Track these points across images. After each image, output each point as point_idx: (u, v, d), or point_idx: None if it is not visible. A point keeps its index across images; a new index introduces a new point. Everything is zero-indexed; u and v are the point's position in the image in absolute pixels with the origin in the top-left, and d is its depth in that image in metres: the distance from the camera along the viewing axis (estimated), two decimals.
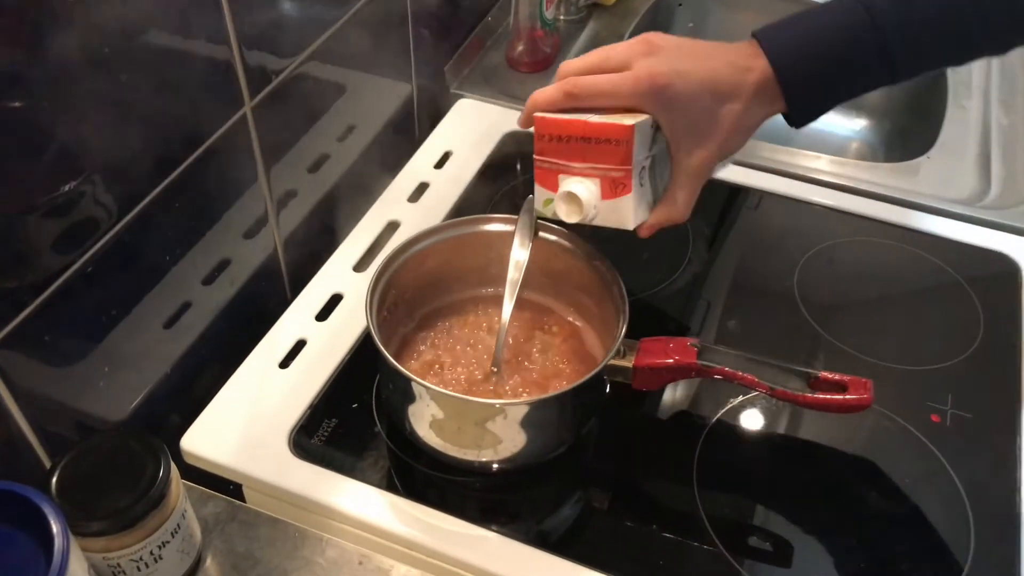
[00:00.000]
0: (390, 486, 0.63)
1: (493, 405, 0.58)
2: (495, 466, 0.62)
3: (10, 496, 0.44)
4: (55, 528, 0.44)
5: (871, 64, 0.59)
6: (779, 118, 0.63)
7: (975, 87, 1.04)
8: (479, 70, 1.02)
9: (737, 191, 0.90)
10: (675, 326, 0.76)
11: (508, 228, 0.68)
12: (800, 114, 0.61)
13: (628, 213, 0.58)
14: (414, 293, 0.70)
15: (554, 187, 0.60)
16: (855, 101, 1.16)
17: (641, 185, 0.58)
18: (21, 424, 0.55)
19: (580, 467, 0.67)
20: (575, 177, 0.58)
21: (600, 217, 0.59)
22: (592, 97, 0.58)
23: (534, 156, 0.60)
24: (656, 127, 0.59)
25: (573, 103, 0.58)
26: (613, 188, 0.57)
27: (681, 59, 0.57)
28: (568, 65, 0.60)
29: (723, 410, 0.69)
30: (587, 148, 0.56)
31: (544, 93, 0.59)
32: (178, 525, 0.54)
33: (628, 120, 0.56)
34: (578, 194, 0.58)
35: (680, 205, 0.61)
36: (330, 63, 0.78)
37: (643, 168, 0.58)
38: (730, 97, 0.58)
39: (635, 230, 0.61)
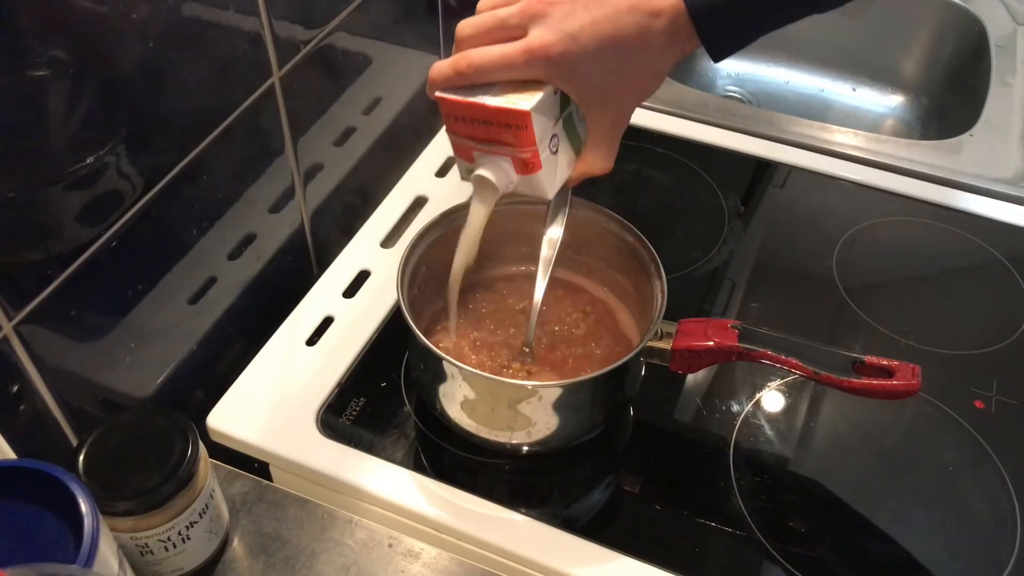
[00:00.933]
0: (419, 467, 0.62)
1: (526, 387, 0.56)
2: (526, 448, 0.61)
3: (39, 475, 0.43)
4: (85, 508, 0.43)
5: None
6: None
7: (1020, 63, 1.01)
8: None
9: (769, 167, 0.87)
10: (711, 307, 0.74)
11: (541, 205, 0.66)
12: (717, 51, 0.54)
13: (543, 186, 0.55)
14: (445, 270, 0.67)
15: (470, 159, 0.57)
16: (891, 77, 1.15)
17: (554, 153, 0.55)
18: (47, 400, 0.54)
19: (612, 450, 0.65)
20: (488, 156, 0.55)
21: (520, 189, 0.56)
22: (486, 74, 0.53)
23: (446, 132, 0.57)
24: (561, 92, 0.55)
25: (467, 82, 0.54)
26: (523, 167, 0.54)
27: (576, 15, 0.51)
28: (463, 28, 0.55)
29: (760, 393, 0.67)
30: (491, 129, 0.53)
31: (440, 69, 0.54)
32: (206, 505, 0.53)
33: (524, 103, 0.52)
34: (489, 177, 0.55)
35: (602, 160, 0.57)
36: (357, 34, 0.76)
37: (553, 136, 0.55)
38: (636, 50, 0.52)
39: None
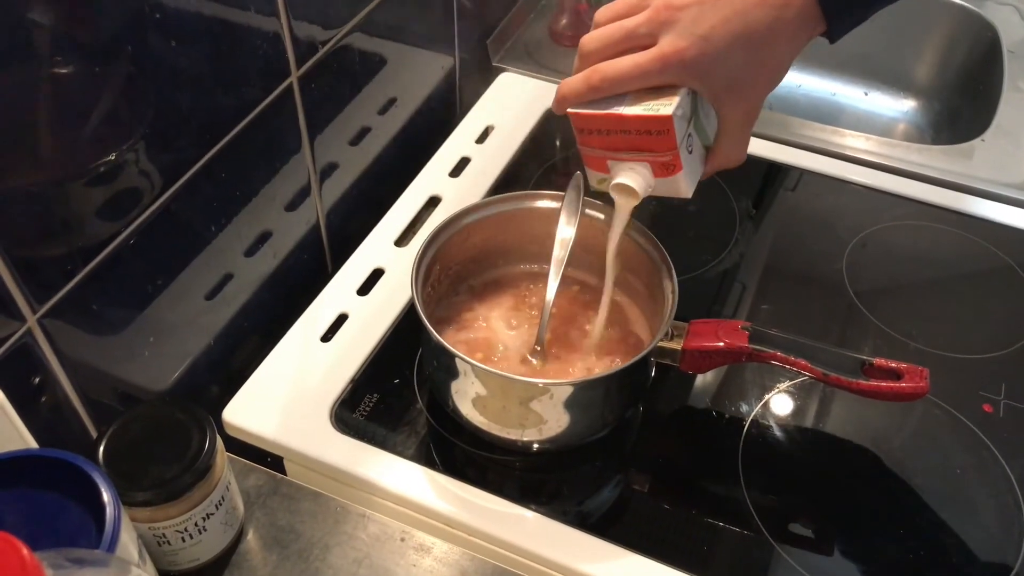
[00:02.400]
0: (431, 463, 0.63)
1: (538, 385, 0.57)
2: (536, 446, 0.62)
3: (62, 465, 0.44)
4: (106, 497, 0.44)
5: None
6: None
7: None
8: (521, 44, 1.01)
9: (781, 170, 0.88)
10: (722, 308, 0.75)
11: (554, 205, 0.67)
12: (839, 30, 0.55)
13: (683, 186, 0.56)
14: (458, 268, 0.69)
15: (604, 169, 0.58)
16: (903, 81, 1.15)
17: (690, 153, 0.56)
18: (68, 391, 0.55)
19: (622, 449, 0.66)
20: (625, 163, 0.56)
21: (657, 191, 0.57)
22: (620, 85, 0.54)
23: (578, 145, 0.58)
24: (694, 92, 0.56)
25: (601, 95, 0.55)
26: (664, 169, 0.56)
27: (705, 17, 0.53)
28: (589, 43, 0.56)
29: (770, 394, 0.68)
30: (629, 139, 0.55)
31: (571, 85, 0.56)
32: (222, 497, 0.54)
33: (665, 107, 0.53)
34: (631, 184, 0.56)
35: (737, 151, 0.59)
36: (374, 35, 0.77)
37: (689, 135, 0.56)
38: (767, 42, 0.53)
39: None
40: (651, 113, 0.53)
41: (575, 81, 0.56)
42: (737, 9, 0.52)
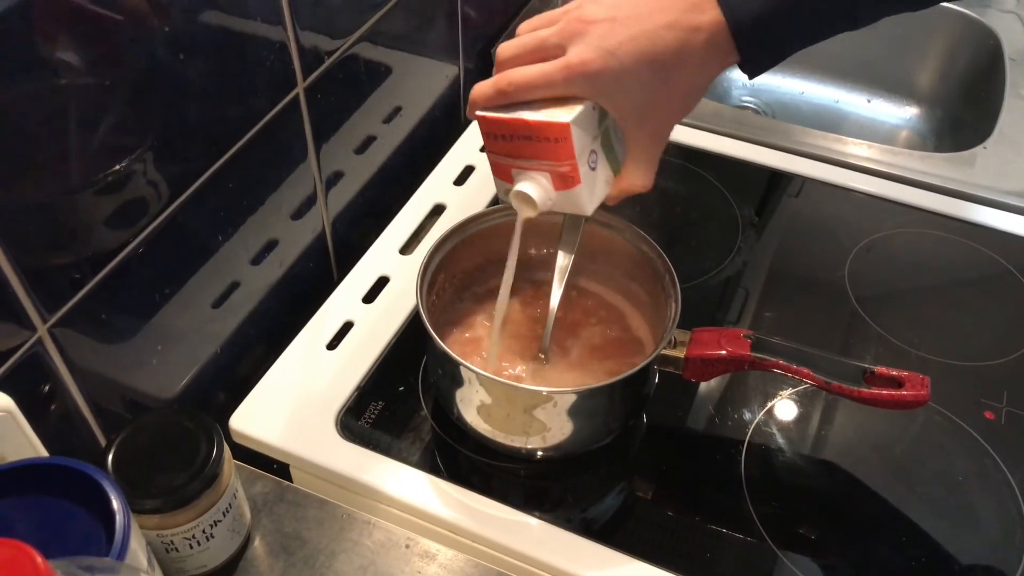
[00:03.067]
0: (435, 470, 0.64)
1: (542, 393, 0.57)
2: (540, 453, 0.62)
3: (72, 473, 0.45)
4: (116, 505, 0.44)
5: (832, 6, 0.53)
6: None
7: None
8: None
9: (784, 177, 0.88)
10: (724, 315, 0.75)
11: (558, 216, 0.67)
12: (754, 66, 0.54)
13: (582, 202, 0.56)
14: (463, 277, 0.69)
15: (508, 178, 0.58)
16: (906, 89, 1.16)
17: (592, 169, 0.56)
18: (78, 400, 0.55)
19: (626, 456, 0.66)
20: (526, 172, 0.56)
21: (558, 206, 0.57)
22: (526, 91, 0.54)
23: (486, 152, 0.59)
24: (603, 111, 0.56)
25: (508, 100, 0.55)
26: (563, 181, 0.55)
27: (614, 33, 0.52)
28: (504, 50, 0.56)
29: (772, 401, 0.68)
30: (530, 145, 0.55)
31: (481, 89, 0.56)
32: (229, 504, 0.55)
33: (564, 116, 0.53)
34: (529, 193, 0.56)
35: (641, 177, 0.58)
36: (379, 44, 0.78)
37: (592, 152, 0.56)
38: (675, 67, 0.53)
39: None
40: (550, 120, 0.53)
41: (485, 85, 0.56)
42: (646, 29, 0.52)
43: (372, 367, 0.69)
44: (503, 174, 0.58)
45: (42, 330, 0.50)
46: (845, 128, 1.18)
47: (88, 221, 0.52)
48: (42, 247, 0.50)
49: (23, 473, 0.45)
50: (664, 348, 0.60)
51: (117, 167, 0.53)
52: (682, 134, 0.92)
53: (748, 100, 1.21)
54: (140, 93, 0.53)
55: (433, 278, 0.64)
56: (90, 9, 0.48)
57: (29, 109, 0.46)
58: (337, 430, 0.65)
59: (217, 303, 0.68)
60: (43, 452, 0.50)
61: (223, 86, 0.59)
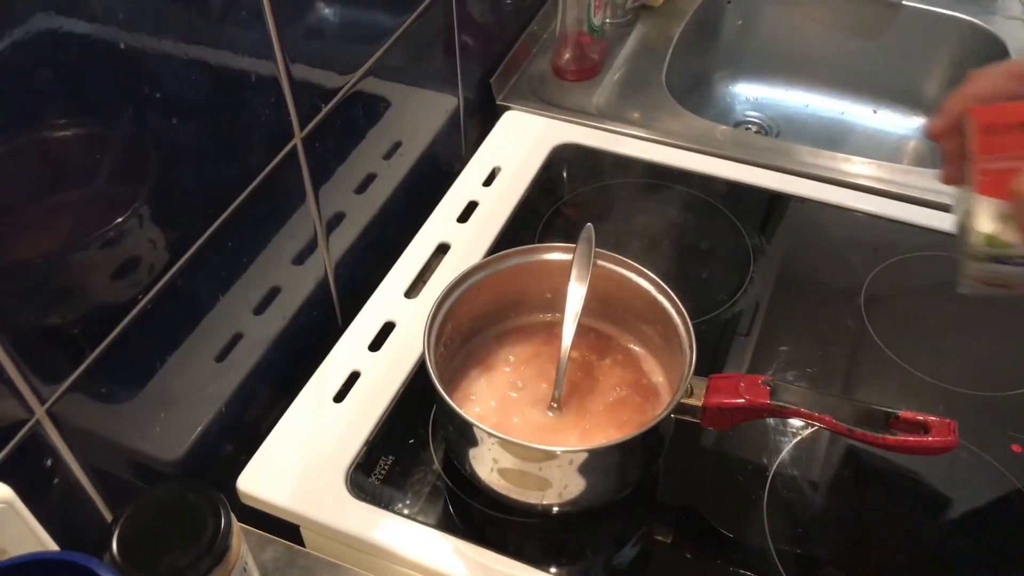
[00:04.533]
0: (450, 527, 0.62)
1: (556, 452, 0.56)
2: (557, 509, 0.60)
3: (74, 566, 0.43)
4: None
5: None
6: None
7: None
8: (525, 80, 1.00)
9: (793, 201, 0.86)
10: (738, 352, 0.73)
11: (564, 257, 0.66)
12: None
13: None
14: (470, 324, 0.68)
15: (1004, 193, 0.44)
16: (913, 98, 1.14)
17: None
18: (80, 477, 0.54)
19: (645, 502, 0.65)
20: None
21: None
22: None
23: (972, 159, 0.46)
24: None
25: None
26: None
27: None
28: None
29: (793, 440, 0.67)
30: None
31: (984, 79, 0.47)
32: None
33: None
34: None
35: None
36: (377, 81, 0.76)
37: None
38: None
39: None
40: None
41: (989, 74, 0.48)
42: None
43: (380, 419, 0.68)
44: (998, 188, 0.45)
45: (40, 412, 0.49)
46: (851, 140, 1.16)
47: (83, 295, 0.51)
48: (36, 325, 0.48)
49: (27, 570, 0.43)
50: (681, 396, 0.58)
51: (111, 237, 0.51)
52: (685, 159, 0.90)
53: (752, 115, 1.19)
54: (131, 160, 0.51)
55: (440, 329, 0.63)
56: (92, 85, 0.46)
57: (17, 179, 0.44)
58: (347, 488, 0.63)
59: (220, 356, 0.66)
60: (46, 539, 0.48)
61: (218, 147, 0.58)
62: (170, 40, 0.51)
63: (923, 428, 0.56)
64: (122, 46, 0.48)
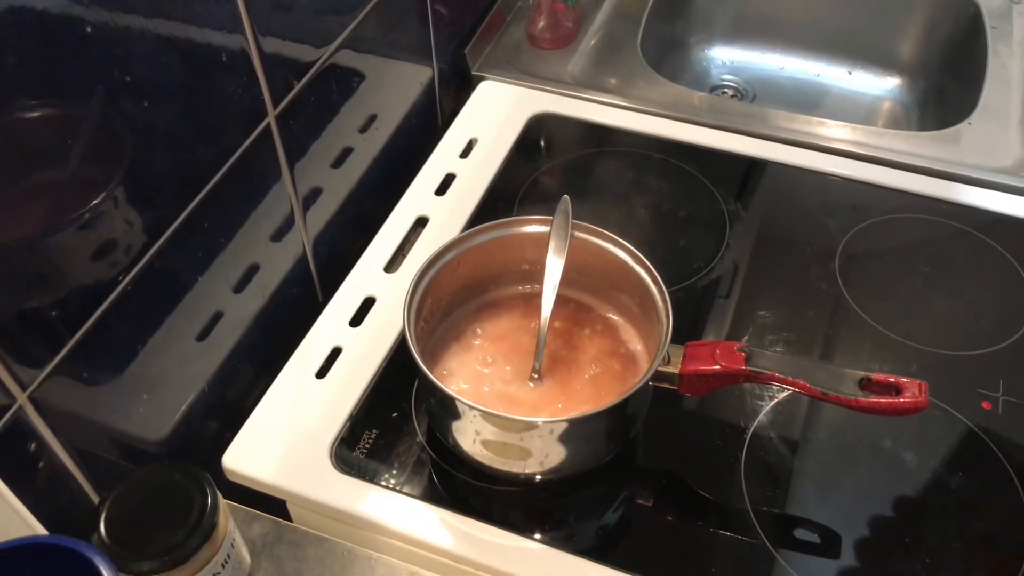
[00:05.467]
0: (434, 498, 0.63)
1: (537, 423, 0.57)
2: (539, 477, 0.61)
3: (62, 549, 0.44)
4: None
5: None
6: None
7: (1016, 43, 1.00)
8: (500, 49, 0.99)
9: (768, 167, 0.87)
10: (715, 318, 0.74)
11: (542, 229, 0.66)
12: None
13: None
14: (450, 298, 0.68)
15: None
16: (888, 59, 1.14)
17: None
18: (64, 460, 0.54)
19: (625, 468, 0.66)
20: None
21: None
22: None
23: None
24: None
25: None
26: None
27: None
28: None
29: (770, 404, 0.68)
30: None
31: None
32: (228, 555, 0.54)
33: None
34: None
35: None
36: (350, 55, 0.75)
37: None
38: None
39: None
40: None
41: None
42: None
43: (363, 394, 0.68)
44: None
45: (22, 398, 0.49)
46: (827, 102, 1.17)
47: (61, 279, 0.51)
48: (14, 310, 0.48)
49: (14, 554, 0.44)
50: (658, 365, 0.59)
51: (87, 219, 0.51)
52: (661, 126, 0.90)
53: (728, 79, 1.19)
54: (105, 141, 0.51)
55: (420, 305, 0.63)
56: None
57: None
58: (332, 463, 0.64)
59: (202, 336, 0.66)
60: (34, 523, 0.49)
61: (191, 128, 0.58)
62: (138, 19, 0.50)
63: (895, 389, 0.57)
64: (89, 29, 0.47)
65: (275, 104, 0.65)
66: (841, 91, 1.17)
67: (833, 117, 0.93)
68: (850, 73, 1.17)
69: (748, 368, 0.58)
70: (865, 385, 0.58)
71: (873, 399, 0.57)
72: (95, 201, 0.51)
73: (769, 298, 0.76)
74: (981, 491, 0.64)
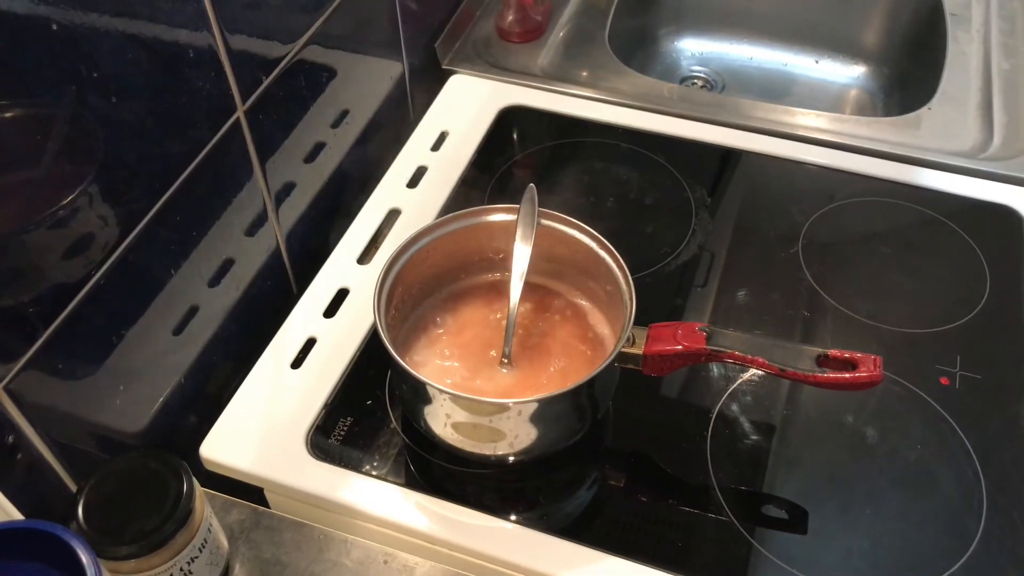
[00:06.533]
0: (409, 482, 0.64)
1: (506, 404, 0.58)
2: (511, 459, 0.63)
3: (40, 534, 0.45)
4: (85, 560, 0.44)
5: None
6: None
7: (975, 30, 1.03)
8: (470, 43, 1.01)
9: (733, 154, 0.89)
10: (683, 302, 0.76)
11: (510, 218, 0.68)
12: None
13: None
14: (420, 287, 0.70)
15: None
16: (853, 48, 1.16)
17: None
18: (41, 449, 0.55)
19: (596, 448, 0.67)
20: None
21: None
22: None
23: None
24: None
25: None
26: None
27: None
28: None
29: (735, 384, 0.70)
30: None
31: None
32: (205, 540, 0.55)
33: None
34: None
35: None
36: (320, 51, 0.77)
37: None
38: None
39: None
40: None
41: None
42: None
43: (338, 383, 0.70)
44: None
45: None
46: (795, 91, 1.19)
47: (35, 273, 0.52)
48: None
49: None
50: (622, 346, 0.61)
51: (60, 216, 0.52)
52: (629, 117, 0.92)
53: (697, 69, 1.21)
54: (75, 138, 0.52)
55: (391, 293, 0.65)
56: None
57: None
58: (308, 450, 0.65)
59: (177, 329, 0.67)
60: (12, 511, 0.50)
61: (160, 123, 0.59)
62: (104, 17, 0.51)
63: (851, 365, 0.59)
64: (55, 27, 0.48)
65: (244, 99, 0.66)
66: (809, 80, 1.19)
67: (801, 105, 0.95)
68: (817, 62, 1.20)
69: (709, 347, 0.60)
70: (822, 361, 0.60)
71: (830, 374, 0.59)
72: (67, 198, 0.52)
73: (735, 284, 0.78)
74: (939, 464, 0.66)
